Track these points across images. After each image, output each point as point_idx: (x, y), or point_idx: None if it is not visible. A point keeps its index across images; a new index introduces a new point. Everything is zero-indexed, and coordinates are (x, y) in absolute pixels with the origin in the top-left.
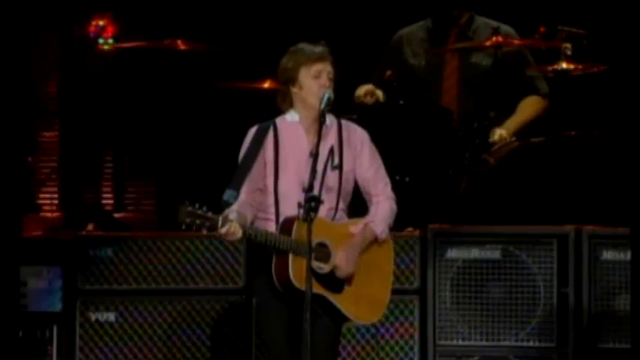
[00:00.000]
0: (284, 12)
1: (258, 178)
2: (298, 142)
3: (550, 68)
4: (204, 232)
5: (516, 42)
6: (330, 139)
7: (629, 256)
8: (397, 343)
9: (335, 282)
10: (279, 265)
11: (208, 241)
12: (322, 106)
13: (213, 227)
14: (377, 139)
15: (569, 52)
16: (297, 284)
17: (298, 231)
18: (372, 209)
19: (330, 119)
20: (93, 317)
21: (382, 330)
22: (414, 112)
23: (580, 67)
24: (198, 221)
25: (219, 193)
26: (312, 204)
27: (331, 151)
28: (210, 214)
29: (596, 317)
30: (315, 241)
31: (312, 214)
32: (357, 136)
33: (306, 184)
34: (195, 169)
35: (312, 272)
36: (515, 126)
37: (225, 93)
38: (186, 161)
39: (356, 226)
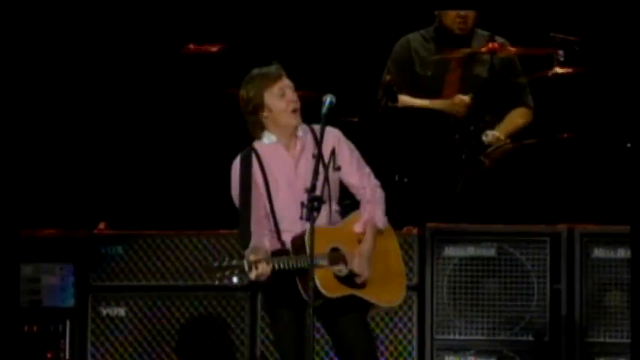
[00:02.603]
0: (290, 17)
1: (259, 206)
2: (282, 160)
3: (543, 74)
4: (235, 280)
5: (511, 49)
6: (308, 148)
7: (619, 253)
8: (396, 337)
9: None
10: (305, 282)
11: (215, 239)
12: (324, 110)
13: (243, 271)
14: (377, 142)
15: (561, 59)
16: (327, 293)
17: (309, 245)
18: (365, 203)
19: (302, 128)
20: (104, 312)
21: (382, 325)
22: (413, 115)
23: (572, 71)
24: (227, 272)
25: (227, 198)
26: (315, 204)
27: (333, 152)
28: (234, 262)
29: (587, 312)
30: (327, 248)
31: (315, 213)
32: (333, 136)
33: (309, 185)
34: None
35: (334, 276)
36: (505, 132)
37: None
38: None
39: (358, 224)
